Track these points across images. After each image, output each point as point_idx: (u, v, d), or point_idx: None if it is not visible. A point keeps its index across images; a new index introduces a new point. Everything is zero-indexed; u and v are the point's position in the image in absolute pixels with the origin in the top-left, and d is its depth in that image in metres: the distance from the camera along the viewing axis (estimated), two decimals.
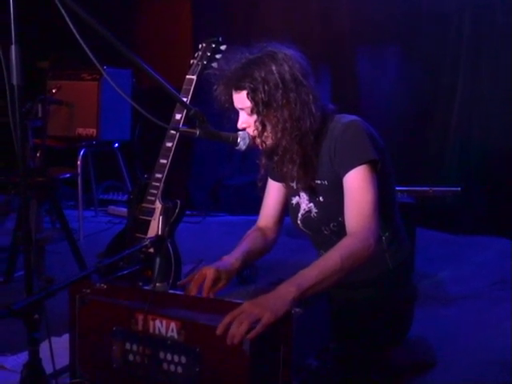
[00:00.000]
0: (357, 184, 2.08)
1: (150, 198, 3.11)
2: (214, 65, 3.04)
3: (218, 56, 3.12)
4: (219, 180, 5.89)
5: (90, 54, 1.79)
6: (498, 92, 4.78)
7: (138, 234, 3.09)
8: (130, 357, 1.91)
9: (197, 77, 3.13)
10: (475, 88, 4.88)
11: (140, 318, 1.88)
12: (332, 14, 5.39)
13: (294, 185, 2.29)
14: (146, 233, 3.06)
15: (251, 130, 2.19)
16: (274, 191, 2.44)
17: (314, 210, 2.27)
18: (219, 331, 1.74)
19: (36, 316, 1.69)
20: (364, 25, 5.25)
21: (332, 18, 5.39)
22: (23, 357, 2.42)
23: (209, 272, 2.16)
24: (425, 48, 5.06)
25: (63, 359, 2.10)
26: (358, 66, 5.38)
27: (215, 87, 2.22)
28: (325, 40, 5.42)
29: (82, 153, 4.94)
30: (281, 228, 2.49)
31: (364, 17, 5.23)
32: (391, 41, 5.24)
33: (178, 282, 2.37)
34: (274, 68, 2.11)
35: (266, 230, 2.45)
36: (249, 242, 2.37)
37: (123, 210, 5.07)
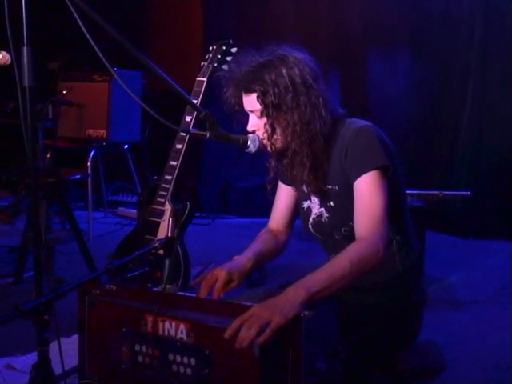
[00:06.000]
0: (367, 189, 2.08)
1: (159, 199, 3.11)
2: (225, 67, 3.04)
3: (228, 58, 3.13)
4: (228, 182, 5.90)
5: (100, 56, 1.79)
6: (508, 96, 4.76)
7: (147, 236, 3.09)
8: (140, 358, 1.91)
9: (207, 79, 3.13)
10: (486, 91, 4.87)
11: (149, 319, 1.88)
12: (343, 17, 5.39)
13: (304, 189, 2.29)
14: (155, 234, 3.06)
15: (261, 133, 2.19)
16: (284, 194, 2.44)
17: (325, 215, 2.27)
18: (228, 334, 1.73)
19: (46, 316, 1.69)
20: (374, 27, 5.25)
21: (342, 21, 5.39)
22: (32, 357, 2.43)
23: (220, 274, 2.17)
24: (435, 51, 5.05)
25: (72, 360, 2.11)
26: (368, 69, 5.37)
27: (225, 90, 2.22)
28: (335, 42, 5.42)
29: (92, 154, 4.95)
30: (291, 231, 2.48)
31: (375, 19, 5.23)
32: (402, 43, 5.23)
33: (190, 282, 2.37)
34: (284, 71, 2.11)
35: (277, 232, 2.45)
36: (260, 243, 2.37)
37: (133, 212, 5.09)
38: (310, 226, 2.34)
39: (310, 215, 2.33)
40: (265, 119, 2.15)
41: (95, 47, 1.77)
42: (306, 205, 2.35)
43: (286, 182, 2.42)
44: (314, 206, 2.31)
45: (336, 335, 2.02)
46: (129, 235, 3.27)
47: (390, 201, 2.08)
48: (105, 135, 4.99)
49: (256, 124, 2.20)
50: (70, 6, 1.73)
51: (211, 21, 5.82)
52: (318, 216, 2.30)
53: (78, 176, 4.30)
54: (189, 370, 1.82)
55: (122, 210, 5.70)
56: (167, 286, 1.99)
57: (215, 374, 1.78)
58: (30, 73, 1.83)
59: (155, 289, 2.08)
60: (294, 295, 1.82)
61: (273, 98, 2.10)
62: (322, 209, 2.28)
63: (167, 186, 3.10)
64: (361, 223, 2.07)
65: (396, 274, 2.28)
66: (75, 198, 5.53)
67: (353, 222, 2.12)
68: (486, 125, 4.90)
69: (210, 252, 4.11)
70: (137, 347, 1.91)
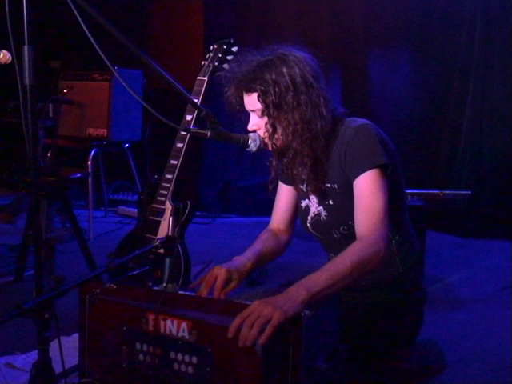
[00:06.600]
0: (367, 188, 2.08)
1: (160, 198, 3.11)
2: (225, 66, 3.04)
3: (229, 57, 3.12)
4: (229, 181, 5.90)
5: (101, 55, 1.79)
6: (509, 96, 4.77)
7: (147, 235, 3.10)
8: (141, 357, 1.91)
9: (208, 78, 3.13)
10: (486, 92, 4.87)
11: (151, 317, 1.87)
12: (344, 17, 5.39)
13: (303, 187, 2.29)
14: (155, 233, 3.07)
15: (262, 132, 2.19)
16: (284, 194, 2.44)
17: (324, 214, 2.27)
18: (231, 334, 1.73)
19: (46, 315, 1.69)
20: (376, 27, 5.25)
21: (344, 21, 5.39)
22: (33, 356, 2.44)
23: (220, 272, 2.16)
24: (436, 51, 5.06)
25: (72, 359, 2.11)
26: (369, 69, 5.37)
27: (226, 89, 2.22)
28: (336, 42, 5.42)
29: (92, 153, 4.96)
30: (293, 231, 2.48)
31: (376, 19, 5.23)
32: (403, 44, 5.24)
33: (190, 285, 2.37)
34: (284, 70, 2.11)
35: (278, 232, 2.45)
36: (261, 243, 2.37)
37: (133, 211, 5.09)
38: (308, 225, 2.34)
39: (308, 214, 2.33)
40: (266, 118, 2.15)
41: (96, 46, 1.77)
42: (304, 203, 2.35)
43: (285, 182, 2.42)
44: (313, 204, 2.31)
45: (336, 335, 2.02)
46: (129, 234, 3.27)
47: (389, 200, 2.08)
48: (105, 134, 5.00)
49: (257, 123, 2.20)
50: (71, 5, 1.73)
51: (212, 20, 5.82)
52: (316, 215, 2.30)
53: (79, 175, 4.29)
54: (190, 369, 1.82)
55: (122, 208, 5.70)
56: (167, 285, 1.98)
57: (217, 373, 1.78)
58: (31, 71, 1.83)
59: (155, 288, 2.08)
60: (295, 294, 1.82)
61: (273, 98, 2.10)
62: (321, 207, 2.28)
63: (168, 185, 3.10)
64: (361, 223, 2.07)
65: (396, 274, 2.28)
66: (76, 197, 5.53)
67: (352, 221, 2.12)
68: (487, 124, 4.90)
69: (211, 251, 4.12)
70: (138, 346, 1.91)
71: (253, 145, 2.19)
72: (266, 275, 3.44)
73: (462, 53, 4.94)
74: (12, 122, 4.79)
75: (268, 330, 1.71)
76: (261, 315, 1.74)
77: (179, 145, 3.11)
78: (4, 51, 2.16)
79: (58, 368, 1.82)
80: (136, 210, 3.39)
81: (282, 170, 2.30)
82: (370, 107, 5.28)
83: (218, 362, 1.78)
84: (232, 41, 3.17)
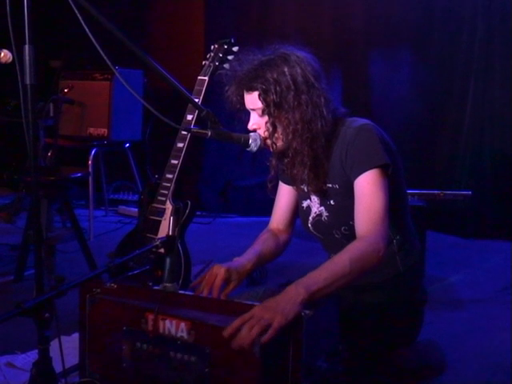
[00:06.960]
0: (368, 188, 2.08)
1: (160, 198, 3.11)
2: (226, 66, 3.04)
3: (230, 57, 3.13)
4: (229, 181, 5.90)
5: (102, 54, 1.79)
6: (509, 96, 4.76)
7: (148, 235, 3.10)
8: (140, 356, 1.91)
9: (209, 78, 3.13)
10: (487, 92, 4.86)
11: (150, 317, 1.88)
12: (345, 17, 5.39)
13: (304, 188, 2.29)
14: (156, 233, 3.07)
15: (262, 131, 2.19)
16: (285, 194, 2.44)
17: (325, 214, 2.27)
18: (227, 333, 1.73)
19: (46, 315, 1.69)
20: (377, 28, 5.24)
21: (345, 21, 5.39)
22: (33, 355, 2.44)
23: (219, 271, 2.16)
24: (437, 52, 5.05)
25: (73, 358, 2.11)
26: (369, 69, 5.37)
27: (227, 88, 2.22)
28: (337, 42, 5.42)
29: (93, 152, 4.96)
30: (293, 231, 2.48)
31: (377, 20, 5.23)
32: (404, 44, 5.23)
33: (190, 284, 2.37)
34: (286, 70, 2.11)
35: (277, 232, 2.45)
36: (260, 244, 2.37)
37: (133, 210, 5.10)
38: (309, 225, 2.34)
39: (309, 214, 2.33)
40: (266, 118, 2.15)
41: (97, 46, 1.77)
42: (305, 204, 2.35)
43: (286, 182, 2.42)
44: (314, 205, 2.31)
45: (337, 334, 2.02)
46: (129, 234, 3.27)
47: (390, 200, 2.08)
48: (106, 134, 5.00)
49: (257, 122, 2.20)
50: (72, 5, 1.74)
51: (213, 19, 5.82)
52: (317, 215, 2.30)
53: (79, 174, 4.29)
54: (189, 369, 1.82)
55: (122, 208, 5.71)
56: (168, 285, 1.99)
57: (215, 373, 1.78)
58: (32, 71, 1.83)
59: (156, 287, 2.08)
60: (295, 294, 1.82)
61: (274, 97, 2.10)
62: (322, 208, 2.28)
63: (168, 185, 3.10)
64: (361, 222, 2.07)
65: (397, 274, 2.28)
66: (76, 197, 5.53)
67: (353, 221, 2.11)
68: (488, 124, 4.90)
69: (211, 251, 4.12)
70: (137, 345, 1.91)
71: (253, 144, 2.19)
72: (266, 275, 3.44)
73: (463, 52, 4.94)
74: (12, 122, 4.80)
75: (270, 332, 1.71)
76: (262, 319, 1.74)
77: (180, 144, 3.11)
78: (5, 50, 2.16)
79: (58, 367, 1.82)
80: (136, 209, 3.40)
81: (283, 169, 2.30)
82: (371, 107, 5.28)
83: (216, 362, 1.78)
84: (233, 41, 3.17)
